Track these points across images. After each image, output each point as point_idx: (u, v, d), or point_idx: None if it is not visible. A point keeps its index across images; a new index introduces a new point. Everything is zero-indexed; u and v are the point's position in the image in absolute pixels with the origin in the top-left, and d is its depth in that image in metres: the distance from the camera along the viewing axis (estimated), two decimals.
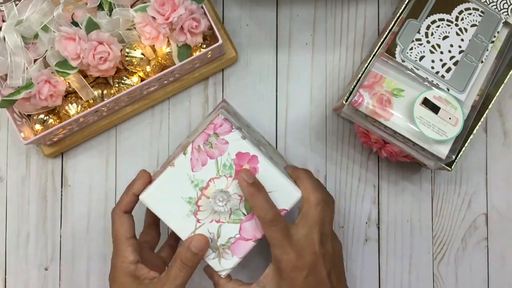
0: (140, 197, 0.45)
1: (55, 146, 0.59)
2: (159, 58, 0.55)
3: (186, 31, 0.51)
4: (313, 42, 0.61)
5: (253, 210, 0.43)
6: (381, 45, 0.52)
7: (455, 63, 0.50)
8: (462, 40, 0.51)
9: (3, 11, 0.53)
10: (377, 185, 0.60)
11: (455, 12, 0.51)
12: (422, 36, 0.51)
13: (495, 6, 0.52)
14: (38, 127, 0.56)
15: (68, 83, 0.54)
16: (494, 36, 0.51)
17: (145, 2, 0.54)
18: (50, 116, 0.56)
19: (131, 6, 0.54)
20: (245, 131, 0.47)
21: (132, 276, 0.43)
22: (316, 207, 0.43)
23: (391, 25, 0.53)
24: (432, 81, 0.49)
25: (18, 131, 0.53)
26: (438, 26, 0.51)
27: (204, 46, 0.56)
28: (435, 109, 0.48)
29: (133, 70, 0.56)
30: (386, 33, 0.53)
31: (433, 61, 0.50)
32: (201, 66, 0.59)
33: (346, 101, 0.50)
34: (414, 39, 0.51)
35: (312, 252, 0.42)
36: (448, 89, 0.49)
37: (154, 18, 0.51)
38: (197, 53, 0.54)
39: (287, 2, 0.61)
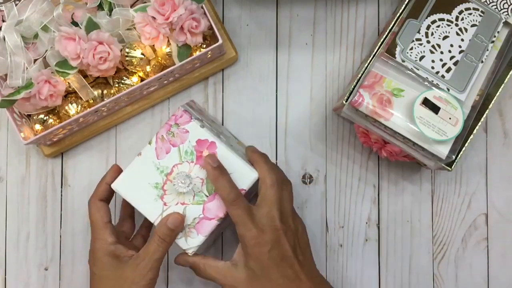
0: (112, 185, 0.49)
1: (55, 146, 0.59)
2: (159, 58, 0.55)
3: (186, 31, 0.51)
4: (313, 42, 0.61)
5: (217, 191, 0.47)
6: (381, 45, 0.52)
7: (455, 63, 0.50)
8: (462, 40, 0.51)
9: (3, 11, 0.53)
10: (377, 185, 0.60)
11: (455, 12, 0.51)
12: (422, 36, 0.51)
13: (495, 6, 0.52)
14: (38, 127, 0.56)
15: (68, 83, 0.54)
16: (494, 36, 0.51)
17: (145, 2, 0.54)
18: (50, 116, 0.56)
19: (131, 6, 0.54)
20: (208, 123, 0.51)
21: (112, 255, 0.47)
22: (272, 187, 0.46)
23: (391, 25, 0.53)
24: (432, 81, 0.49)
25: (18, 131, 0.53)
26: (438, 26, 0.51)
27: (204, 46, 0.56)
28: (435, 109, 0.48)
29: (133, 70, 0.56)
30: (386, 33, 0.53)
31: (433, 61, 0.50)
32: (201, 66, 0.59)
33: (346, 101, 0.50)
34: (414, 39, 0.50)
35: (273, 228, 0.45)
36: (448, 89, 0.49)
37: (154, 18, 0.51)
38: (197, 53, 0.54)
39: (287, 2, 0.61)
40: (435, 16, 0.51)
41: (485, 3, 0.52)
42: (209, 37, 0.57)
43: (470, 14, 0.51)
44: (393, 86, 0.50)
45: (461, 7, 0.51)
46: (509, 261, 0.59)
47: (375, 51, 0.52)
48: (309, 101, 0.60)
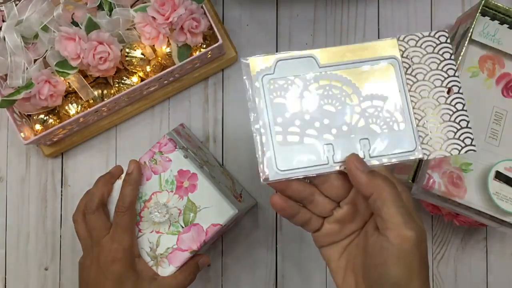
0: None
1: (55, 146, 0.59)
2: (159, 58, 0.55)
3: (186, 31, 0.51)
4: (313, 42, 0.61)
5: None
6: None
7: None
8: (344, 127, 0.37)
9: (3, 11, 0.53)
10: None
11: (369, 96, 0.37)
12: (308, 80, 0.37)
13: (423, 135, 0.37)
14: (38, 127, 0.56)
15: (68, 83, 0.54)
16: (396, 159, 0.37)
17: (145, 2, 0.54)
18: (50, 116, 0.56)
19: (131, 6, 0.54)
20: (193, 152, 0.51)
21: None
22: (413, 248, 0.33)
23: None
24: (258, 129, 0.37)
25: (18, 131, 0.53)
26: (336, 88, 0.37)
27: (204, 46, 0.56)
28: (509, 181, 0.47)
29: (133, 70, 0.56)
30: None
31: (287, 114, 0.37)
32: (201, 66, 0.59)
33: (412, 181, 0.48)
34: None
35: None
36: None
37: (154, 18, 0.51)
38: (197, 53, 0.54)
39: (287, 2, 0.61)
40: (343, 79, 0.37)
41: (415, 120, 0.37)
42: (209, 37, 0.57)
43: (388, 113, 0.37)
44: (461, 161, 0.48)
45: (382, 97, 0.37)
46: (508, 261, 0.59)
47: None
48: None
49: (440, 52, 0.38)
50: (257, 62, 0.37)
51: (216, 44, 0.53)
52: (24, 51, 0.53)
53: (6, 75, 0.53)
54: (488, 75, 0.51)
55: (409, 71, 0.38)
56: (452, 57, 0.38)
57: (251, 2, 0.61)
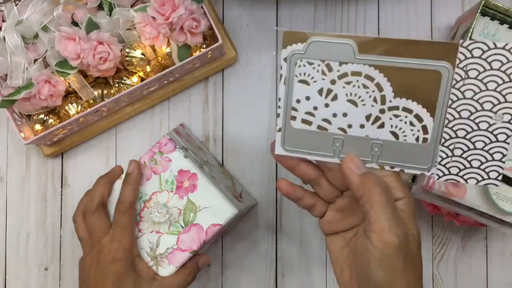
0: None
1: (55, 146, 0.59)
2: (159, 58, 0.55)
3: (186, 31, 0.51)
4: None
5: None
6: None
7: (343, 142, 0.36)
8: (361, 126, 0.35)
9: (3, 11, 0.53)
10: None
11: (399, 102, 0.34)
12: (338, 71, 0.35)
13: (448, 159, 0.35)
14: (38, 127, 0.56)
15: (68, 83, 0.54)
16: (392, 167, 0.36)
17: (145, 2, 0.54)
18: (50, 116, 0.56)
19: (131, 6, 0.54)
20: (193, 152, 0.51)
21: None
22: (396, 253, 0.33)
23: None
24: (280, 107, 0.37)
25: (18, 131, 0.53)
26: (364, 87, 0.35)
27: (204, 46, 0.56)
28: (509, 181, 0.46)
29: (133, 70, 0.56)
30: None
31: (308, 98, 0.36)
32: (201, 66, 0.59)
33: (412, 181, 0.48)
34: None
35: None
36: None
37: (154, 18, 0.51)
38: (197, 53, 0.54)
39: (287, 2, 0.61)
40: (378, 76, 0.34)
41: (443, 139, 0.34)
42: (209, 37, 0.57)
43: (411, 125, 0.34)
44: None
45: (414, 107, 0.34)
46: (508, 261, 0.59)
47: None
48: None
49: (509, 71, 0.31)
50: (292, 37, 0.35)
51: (216, 44, 0.53)
52: (24, 51, 0.53)
53: (6, 75, 0.53)
54: None
55: (458, 85, 0.32)
56: None
57: (251, 2, 0.61)
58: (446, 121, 0.33)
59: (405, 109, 0.33)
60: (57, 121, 0.56)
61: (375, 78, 0.33)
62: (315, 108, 0.35)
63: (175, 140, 0.49)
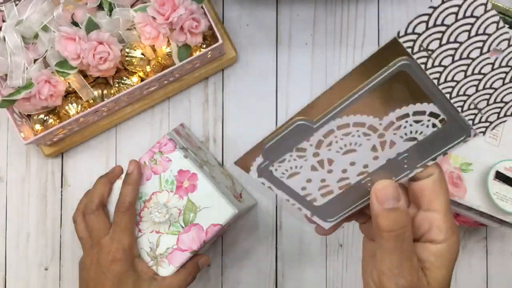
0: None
1: (55, 146, 0.59)
2: (159, 58, 0.55)
3: (186, 31, 0.51)
4: (313, 42, 0.61)
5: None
6: None
7: (344, 187, 0.33)
8: (375, 158, 0.32)
9: (3, 11, 0.53)
10: None
11: (392, 116, 0.30)
12: (311, 146, 0.31)
13: (472, 117, 0.31)
14: (38, 127, 0.56)
15: (68, 83, 0.54)
16: (433, 159, 0.32)
17: (145, 2, 0.54)
18: (50, 116, 0.56)
19: (131, 6, 0.54)
20: (193, 152, 0.51)
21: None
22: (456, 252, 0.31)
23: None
24: (294, 204, 0.34)
25: (18, 131, 0.53)
26: (346, 135, 0.31)
27: (204, 46, 0.56)
28: (509, 181, 0.47)
29: (133, 70, 0.56)
30: None
31: (309, 180, 0.33)
32: (201, 66, 0.59)
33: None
34: (294, 148, 0.31)
35: None
36: (312, 215, 0.35)
37: (154, 18, 0.51)
38: (197, 53, 0.54)
39: (287, 2, 0.61)
40: (351, 119, 0.30)
41: (458, 108, 0.30)
42: (209, 37, 0.57)
43: (418, 122, 0.30)
44: (461, 161, 0.48)
45: (409, 109, 0.30)
46: (508, 261, 0.59)
47: None
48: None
49: (468, 13, 0.27)
50: (246, 160, 0.32)
51: (216, 44, 0.53)
52: (24, 51, 0.53)
53: (6, 75, 0.53)
54: None
55: (429, 64, 0.28)
56: (492, 10, 0.27)
57: (251, 2, 0.61)
58: (448, 95, 0.30)
59: (399, 118, 0.30)
60: (57, 121, 0.56)
61: (349, 123, 0.30)
62: (323, 180, 0.32)
63: (175, 140, 0.49)
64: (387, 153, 0.31)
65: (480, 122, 0.31)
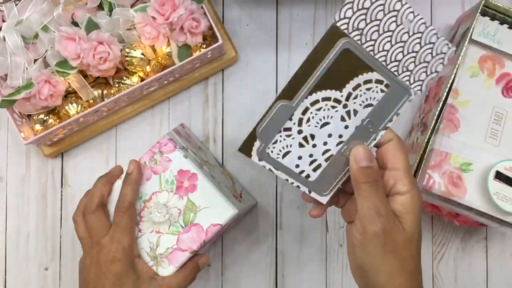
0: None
1: (55, 146, 0.59)
2: (159, 58, 0.55)
3: (186, 31, 0.51)
4: (313, 42, 0.61)
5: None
6: (437, 120, 0.50)
7: (327, 159, 0.39)
8: (346, 127, 0.38)
9: (3, 11, 0.53)
10: None
11: (348, 87, 0.37)
12: (294, 124, 0.38)
13: (408, 78, 0.38)
14: (38, 127, 0.56)
15: (68, 83, 0.54)
16: (391, 120, 0.38)
17: (145, 2, 0.54)
18: (50, 116, 0.56)
19: (131, 6, 0.54)
20: (193, 152, 0.51)
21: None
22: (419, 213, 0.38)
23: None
24: (293, 183, 0.39)
25: (18, 131, 0.53)
26: (319, 109, 0.37)
27: (204, 46, 0.56)
28: (509, 181, 0.47)
29: (133, 70, 0.56)
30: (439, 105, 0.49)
31: (300, 157, 0.39)
32: (201, 66, 0.59)
33: None
34: (281, 129, 0.38)
35: None
36: (310, 192, 0.40)
37: (154, 18, 0.51)
38: (197, 53, 0.54)
39: (287, 2, 0.61)
40: (319, 95, 0.37)
41: (395, 73, 0.37)
42: (209, 37, 0.57)
43: (369, 89, 0.37)
44: (461, 161, 0.48)
45: (359, 79, 0.37)
46: (508, 261, 0.59)
47: (430, 127, 0.50)
48: None
49: None
50: (247, 147, 0.38)
51: (216, 44, 0.53)
52: (24, 51, 0.53)
53: (6, 75, 0.53)
54: (488, 75, 0.51)
55: (363, 40, 0.36)
56: None
57: (251, 2, 0.61)
58: (384, 63, 0.37)
59: (354, 88, 0.37)
60: (57, 121, 0.56)
61: (319, 98, 0.37)
62: (311, 156, 0.39)
63: (175, 140, 0.49)
64: (354, 121, 0.38)
65: (415, 81, 0.38)
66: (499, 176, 0.47)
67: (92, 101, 0.56)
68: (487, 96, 0.51)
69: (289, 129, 0.38)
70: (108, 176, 0.49)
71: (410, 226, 0.36)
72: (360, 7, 0.35)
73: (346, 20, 0.36)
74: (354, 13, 0.36)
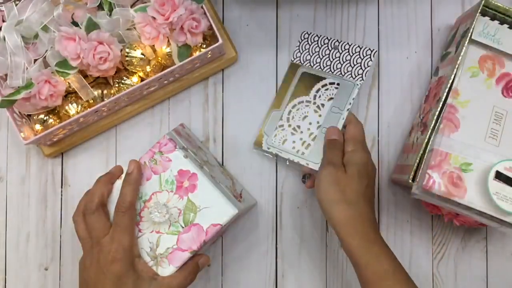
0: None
1: (55, 146, 0.59)
2: (159, 58, 0.55)
3: (186, 31, 0.51)
4: None
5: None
6: (437, 121, 0.51)
7: (314, 138, 0.56)
8: (320, 115, 0.56)
9: (3, 11, 0.53)
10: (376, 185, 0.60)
11: (313, 92, 0.57)
12: (284, 121, 0.57)
13: (350, 75, 0.57)
14: (38, 127, 0.56)
15: (68, 83, 0.54)
16: (350, 103, 0.56)
17: (145, 2, 0.54)
18: (50, 116, 0.56)
19: (131, 6, 0.54)
20: (193, 152, 0.52)
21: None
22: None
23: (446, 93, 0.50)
24: (293, 160, 0.56)
25: (18, 131, 0.53)
26: (298, 109, 0.57)
27: (204, 46, 0.56)
28: (509, 181, 0.47)
29: (133, 70, 0.56)
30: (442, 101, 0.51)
31: (294, 141, 0.56)
32: (201, 66, 0.59)
33: (412, 181, 0.49)
34: (277, 126, 0.57)
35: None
36: (308, 164, 0.55)
37: (154, 18, 0.51)
38: (197, 53, 0.54)
39: (287, 2, 0.61)
40: (295, 101, 0.58)
41: (340, 75, 0.57)
42: (209, 37, 0.57)
43: (327, 89, 0.57)
44: (461, 161, 0.48)
45: (318, 85, 0.57)
46: (508, 261, 0.59)
47: (430, 127, 0.50)
48: None
49: (311, 39, 0.60)
50: (259, 140, 0.57)
51: (216, 44, 0.53)
52: (24, 51, 0.53)
53: (6, 75, 0.53)
54: (488, 75, 0.51)
55: (312, 64, 0.59)
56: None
57: (251, 2, 0.61)
58: (330, 72, 0.58)
59: (317, 91, 0.57)
60: (57, 121, 0.56)
61: (296, 103, 0.58)
62: (301, 139, 0.56)
63: (175, 140, 0.49)
64: (323, 111, 0.57)
65: (356, 76, 0.57)
66: (499, 176, 0.47)
67: (92, 101, 0.56)
68: (487, 96, 0.51)
69: (282, 125, 0.57)
70: (108, 176, 0.49)
71: (351, 171, 0.49)
72: (303, 49, 0.59)
73: (298, 58, 0.59)
74: (301, 53, 0.59)
